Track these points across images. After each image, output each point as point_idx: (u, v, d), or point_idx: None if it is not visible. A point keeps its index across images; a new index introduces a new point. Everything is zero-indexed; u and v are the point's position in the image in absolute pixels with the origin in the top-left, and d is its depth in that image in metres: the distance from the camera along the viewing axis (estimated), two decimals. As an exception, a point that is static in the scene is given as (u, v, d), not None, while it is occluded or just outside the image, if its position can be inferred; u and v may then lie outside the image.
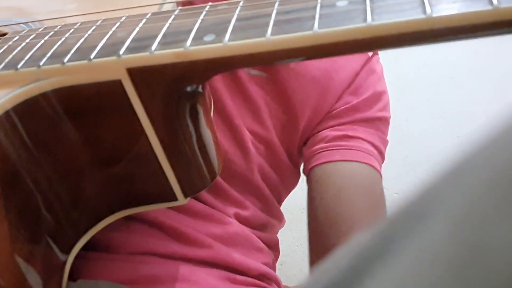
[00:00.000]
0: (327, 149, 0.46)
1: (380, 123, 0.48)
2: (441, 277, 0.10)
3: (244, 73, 0.44)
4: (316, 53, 0.22)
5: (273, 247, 0.50)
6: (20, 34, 0.32)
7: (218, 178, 0.44)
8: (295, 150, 0.49)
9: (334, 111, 0.47)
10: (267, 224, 0.49)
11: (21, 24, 0.37)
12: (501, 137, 0.12)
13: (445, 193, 0.12)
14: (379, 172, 0.46)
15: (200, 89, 0.27)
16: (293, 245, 0.93)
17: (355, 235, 0.48)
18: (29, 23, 0.37)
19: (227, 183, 0.44)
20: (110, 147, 0.29)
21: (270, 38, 0.22)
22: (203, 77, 0.26)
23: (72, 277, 0.38)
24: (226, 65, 0.24)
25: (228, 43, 0.23)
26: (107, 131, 0.29)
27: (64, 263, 0.32)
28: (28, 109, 0.27)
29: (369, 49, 0.22)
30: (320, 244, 0.45)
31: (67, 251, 0.32)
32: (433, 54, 1.33)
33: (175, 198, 0.32)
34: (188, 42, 0.24)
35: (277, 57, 0.23)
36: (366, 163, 0.45)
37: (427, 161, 0.99)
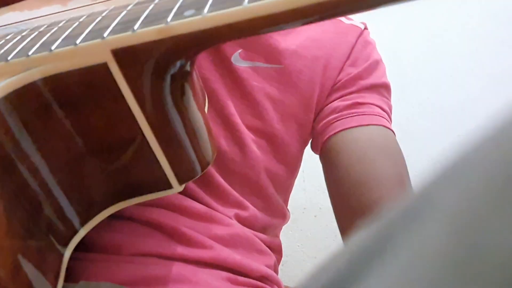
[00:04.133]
0: (341, 118, 0.47)
1: (383, 89, 0.50)
2: (438, 275, 0.10)
3: (244, 70, 0.44)
4: (295, 18, 0.23)
5: (276, 250, 0.49)
6: (15, 31, 0.33)
7: (218, 178, 0.44)
8: (310, 132, 0.50)
9: (338, 83, 0.48)
10: (268, 225, 0.48)
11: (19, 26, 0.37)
12: (498, 134, 0.12)
13: (442, 191, 0.12)
14: (393, 132, 0.48)
15: (187, 67, 0.28)
16: (294, 245, 0.92)
17: (385, 192, 0.47)
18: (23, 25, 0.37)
19: (227, 183, 0.44)
20: (101, 134, 0.30)
21: (247, 5, 0.23)
22: (187, 53, 0.26)
23: (73, 279, 0.38)
24: (208, 38, 0.24)
25: (207, 15, 0.23)
26: (97, 118, 0.29)
27: (62, 257, 0.31)
28: (19, 98, 0.27)
29: (350, 10, 0.22)
30: (350, 208, 0.45)
31: (65, 245, 0.32)
32: (433, 53, 1.33)
33: (170, 186, 0.32)
34: (169, 18, 0.25)
35: (256, 25, 0.23)
36: (381, 125, 0.46)
37: (428, 160, 0.98)
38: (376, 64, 0.51)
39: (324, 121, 0.48)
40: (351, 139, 0.46)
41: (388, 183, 0.43)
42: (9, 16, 0.42)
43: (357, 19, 0.52)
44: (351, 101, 0.47)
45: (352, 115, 0.46)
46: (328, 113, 0.48)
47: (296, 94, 0.47)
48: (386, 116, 0.48)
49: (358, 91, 0.48)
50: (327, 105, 0.48)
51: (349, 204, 0.45)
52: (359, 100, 0.47)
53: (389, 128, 0.47)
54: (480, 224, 0.10)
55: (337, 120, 0.47)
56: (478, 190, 0.11)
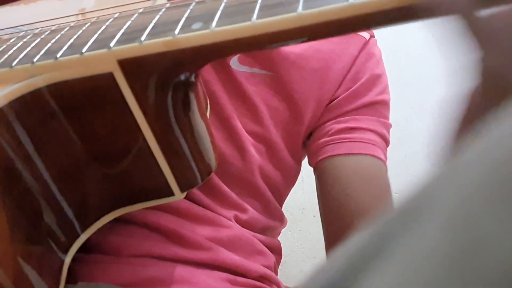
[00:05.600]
0: (331, 142, 0.46)
1: (381, 106, 0.48)
2: (435, 275, 0.10)
3: (242, 74, 0.44)
4: (301, 35, 0.23)
5: (275, 250, 0.49)
6: (19, 35, 0.33)
7: (217, 181, 0.44)
8: (300, 145, 0.49)
9: (335, 100, 0.47)
10: (267, 227, 0.48)
11: (22, 29, 0.37)
12: (494, 133, 0.12)
13: (440, 191, 0.12)
14: (383, 161, 0.47)
15: (192, 79, 0.28)
16: (293, 245, 0.93)
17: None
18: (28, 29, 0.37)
19: (226, 185, 0.44)
20: (105, 142, 0.30)
21: (256, 22, 0.23)
22: (193, 66, 0.26)
23: (72, 280, 0.38)
24: (215, 51, 0.24)
25: (215, 29, 0.23)
26: (101, 126, 0.29)
27: (62, 262, 0.31)
28: (23, 105, 0.27)
29: (354, 29, 0.23)
30: (333, 235, 0.47)
31: (65, 250, 0.32)
32: (433, 53, 1.33)
33: (171, 194, 0.32)
34: (177, 31, 0.24)
35: (263, 41, 0.23)
36: (370, 154, 0.46)
37: (426, 160, 0.98)
38: (376, 79, 0.48)
39: (317, 142, 0.48)
40: (337, 168, 0.46)
41: (363, 216, 0.44)
42: (8, 16, 0.41)
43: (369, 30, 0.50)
44: (344, 125, 0.47)
45: (342, 140, 0.46)
46: (321, 135, 0.48)
47: (288, 104, 0.46)
48: (378, 141, 0.47)
49: (355, 110, 0.47)
50: (322, 125, 0.48)
51: (332, 230, 0.47)
52: (352, 124, 0.47)
53: (377, 157, 0.46)
54: (476, 223, 0.10)
55: (328, 145, 0.47)
56: (475, 189, 0.11)
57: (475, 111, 0.22)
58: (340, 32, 0.23)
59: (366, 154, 0.46)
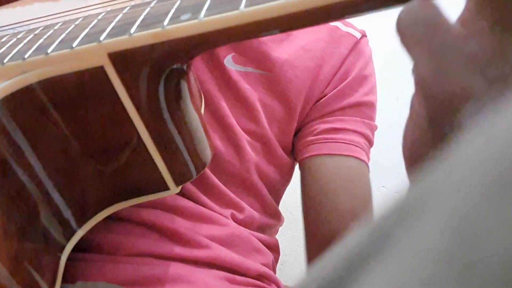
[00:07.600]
0: (315, 142, 0.48)
1: (366, 108, 0.49)
2: (435, 273, 0.10)
3: (236, 73, 0.45)
4: (291, 23, 0.23)
5: (273, 248, 0.49)
6: (13, 33, 0.33)
7: (214, 179, 0.44)
8: (291, 142, 0.50)
9: (322, 99, 0.48)
10: (264, 225, 0.49)
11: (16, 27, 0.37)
12: (493, 129, 0.12)
13: (439, 188, 0.12)
14: (366, 163, 0.48)
15: (183, 70, 0.28)
16: (293, 244, 0.92)
17: (339, 224, 0.49)
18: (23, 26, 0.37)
19: (223, 183, 0.44)
20: (98, 137, 0.30)
21: (244, 10, 0.23)
22: (184, 57, 0.26)
23: (71, 280, 0.38)
24: (204, 42, 0.24)
25: (204, 19, 0.23)
26: (94, 120, 0.29)
27: (59, 259, 0.31)
28: (15, 101, 0.27)
29: (345, 15, 0.22)
30: (311, 234, 0.48)
31: (62, 247, 0.32)
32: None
33: (166, 187, 0.32)
34: (166, 22, 0.25)
35: (252, 29, 0.23)
36: (352, 156, 0.47)
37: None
38: (363, 79, 0.49)
39: (303, 140, 0.49)
40: (318, 167, 0.47)
41: (342, 218, 0.45)
42: (3, 16, 0.41)
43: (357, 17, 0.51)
44: (329, 125, 0.48)
45: (326, 140, 0.47)
46: (307, 133, 0.49)
47: (282, 102, 0.47)
48: (361, 143, 0.48)
49: (340, 110, 0.48)
50: (309, 123, 0.49)
51: (310, 229, 0.48)
52: (337, 125, 0.48)
53: (359, 158, 0.47)
54: (476, 222, 0.10)
55: (312, 144, 0.48)
56: (474, 186, 0.11)
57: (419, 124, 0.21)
58: (329, 18, 0.23)
59: (348, 156, 0.47)
